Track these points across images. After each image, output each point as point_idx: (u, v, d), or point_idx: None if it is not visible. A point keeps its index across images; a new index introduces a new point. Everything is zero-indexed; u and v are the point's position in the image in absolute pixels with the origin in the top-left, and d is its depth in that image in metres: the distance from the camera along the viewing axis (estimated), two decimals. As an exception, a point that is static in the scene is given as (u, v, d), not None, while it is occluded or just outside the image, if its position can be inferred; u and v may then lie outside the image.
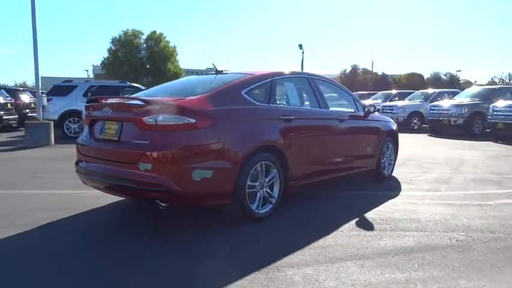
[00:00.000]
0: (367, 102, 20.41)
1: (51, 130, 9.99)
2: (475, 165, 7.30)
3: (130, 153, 3.33)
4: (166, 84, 4.91)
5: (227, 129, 3.48)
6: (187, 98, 3.45)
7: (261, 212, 3.77)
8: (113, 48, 41.40)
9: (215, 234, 3.48)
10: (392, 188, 5.36)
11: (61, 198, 4.72)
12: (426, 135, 14.13)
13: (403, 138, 12.46)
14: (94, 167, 3.70)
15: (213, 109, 3.44)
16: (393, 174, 6.21)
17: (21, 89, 18.26)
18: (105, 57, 41.58)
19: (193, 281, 2.62)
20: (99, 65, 44.79)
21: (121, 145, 3.47)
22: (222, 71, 4.51)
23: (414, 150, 9.35)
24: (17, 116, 13.99)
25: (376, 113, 6.04)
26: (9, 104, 13.72)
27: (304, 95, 4.76)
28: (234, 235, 3.47)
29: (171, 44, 42.79)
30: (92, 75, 53.13)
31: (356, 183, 5.58)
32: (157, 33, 42.20)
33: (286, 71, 4.55)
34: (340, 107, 5.33)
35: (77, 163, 3.98)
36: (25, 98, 15.83)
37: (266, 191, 3.83)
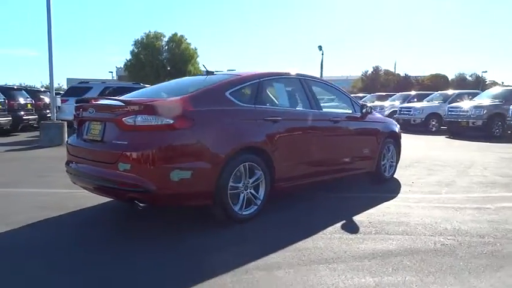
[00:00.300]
0: (386, 103, 20.24)
1: (65, 130, 10.26)
2: (486, 168, 7.05)
3: (111, 153, 3.37)
4: (158, 85, 4.95)
5: (208, 130, 3.47)
6: (168, 99, 3.47)
7: (244, 213, 3.74)
8: (136, 50, 42.13)
9: (198, 234, 3.47)
10: (391, 190, 5.23)
11: (59, 197, 4.84)
12: (444, 137, 13.76)
13: (419, 140, 12.35)
14: (81, 167, 3.76)
15: (193, 110, 3.44)
16: (397, 176, 6.07)
17: (42, 90, 18.81)
18: (128, 59, 42.39)
19: (155, 282, 2.63)
20: (122, 66, 45.63)
21: (103, 145, 3.52)
22: (213, 72, 4.52)
23: (426, 152, 9.13)
24: (36, 116, 14.42)
25: (377, 114, 5.94)
26: (29, 105, 14.18)
27: (295, 96, 4.70)
28: (216, 236, 3.46)
29: (191, 46, 43.23)
30: (115, 77, 54.25)
31: (356, 185, 5.50)
32: (179, 35, 42.71)
33: (277, 71, 4.53)
34: (335, 108, 5.27)
35: (67, 163, 4.05)
36: (46, 99, 16.31)
37: (250, 192, 3.79)
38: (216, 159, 3.46)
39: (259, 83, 4.12)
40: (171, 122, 3.27)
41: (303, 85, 4.61)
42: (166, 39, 42.86)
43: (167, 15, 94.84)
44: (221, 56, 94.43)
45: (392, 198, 4.82)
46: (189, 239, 3.37)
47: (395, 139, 5.96)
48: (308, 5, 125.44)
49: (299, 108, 4.61)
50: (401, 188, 5.41)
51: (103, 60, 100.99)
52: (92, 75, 72.92)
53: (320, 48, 36.68)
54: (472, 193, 5.15)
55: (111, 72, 57.98)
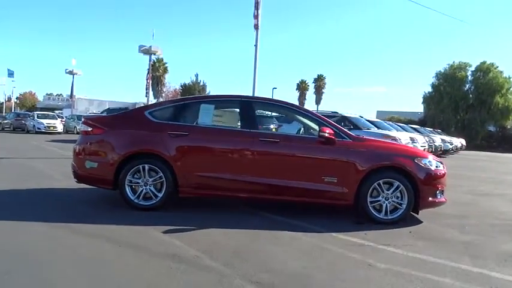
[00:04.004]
0: None
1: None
2: None
3: None
4: None
5: (113, 137, 4.89)
6: (98, 115, 5.16)
7: (141, 203, 4.78)
8: (437, 82, 40.94)
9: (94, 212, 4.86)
10: (340, 229, 4.48)
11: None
12: None
13: None
14: None
15: (107, 122, 5.02)
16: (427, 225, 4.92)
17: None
18: (427, 92, 41.72)
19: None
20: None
21: None
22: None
23: None
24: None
25: (383, 140, 5.12)
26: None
27: (225, 116, 5.12)
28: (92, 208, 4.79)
29: (504, 75, 37.66)
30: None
31: (329, 217, 5.01)
32: (487, 63, 38.24)
33: (215, 95, 5.22)
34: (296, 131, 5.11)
35: None
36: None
37: (150, 188, 4.80)
38: (115, 157, 4.81)
39: (182, 105, 5.09)
40: (90, 129, 4.97)
41: (242, 107, 5.03)
42: (472, 68, 39.36)
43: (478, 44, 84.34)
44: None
45: (308, 231, 4.33)
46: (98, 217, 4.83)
47: (408, 175, 4.80)
48: None
49: (222, 127, 5.12)
50: (362, 231, 4.48)
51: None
52: (400, 107, 74.99)
53: None
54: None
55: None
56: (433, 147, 17.55)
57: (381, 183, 4.82)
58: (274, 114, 11.57)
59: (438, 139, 20.00)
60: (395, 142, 5.59)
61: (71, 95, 50.16)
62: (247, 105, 5.07)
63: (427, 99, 41.33)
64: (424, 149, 15.04)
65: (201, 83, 54.77)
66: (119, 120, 5.17)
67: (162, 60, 56.46)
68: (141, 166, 4.81)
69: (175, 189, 4.84)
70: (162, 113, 5.13)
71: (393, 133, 12.89)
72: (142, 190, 4.83)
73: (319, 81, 69.99)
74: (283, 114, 5.70)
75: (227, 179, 4.84)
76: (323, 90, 70.05)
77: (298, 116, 5.37)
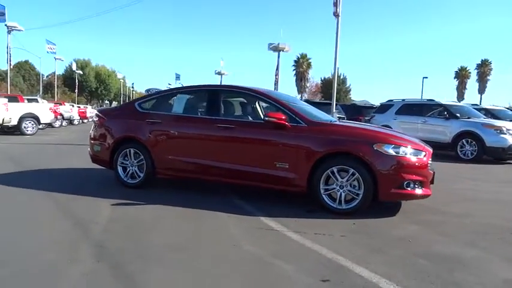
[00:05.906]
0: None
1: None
2: None
3: None
4: None
5: (110, 125, 5.76)
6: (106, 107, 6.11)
7: (128, 181, 5.56)
8: None
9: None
10: (291, 214, 4.41)
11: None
12: None
13: None
14: None
15: (108, 113, 5.93)
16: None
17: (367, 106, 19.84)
18: None
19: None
20: None
21: None
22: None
23: None
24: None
25: (345, 123, 4.72)
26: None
27: (193, 104, 5.45)
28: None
29: None
30: None
31: (282, 202, 4.93)
32: None
33: (188, 85, 5.69)
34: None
35: None
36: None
37: (134, 169, 5.55)
38: (109, 141, 5.70)
39: (162, 96, 5.70)
40: (97, 119, 5.99)
41: (210, 95, 5.33)
42: None
43: None
44: None
45: (240, 214, 4.41)
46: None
47: (365, 163, 4.37)
48: None
49: (189, 114, 5.47)
50: (300, 218, 4.34)
51: None
52: None
53: None
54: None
55: None
56: None
57: (335, 171, 4.52)
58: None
59: None
60: (365, 126, 5.00)
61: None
62: (212, 94, 5.37)
63: None
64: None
65: (341, 76, 54.07)
66: (117, 111, 6.13)
67: (306, 56, 57.65)
68: (127, 150, 5.60)
69: (153, 170, 5.48)
70: (147, 104, 5.83)
71: (498, 122, 10.91)
72: (129, 170, 5.63)
73: (484, 67, 60.92)
74: (247, 100, 5.68)
75: (192, 162, 5.23)
76: (488, 77, 60.82)
77: (260, 101, 5.38)
